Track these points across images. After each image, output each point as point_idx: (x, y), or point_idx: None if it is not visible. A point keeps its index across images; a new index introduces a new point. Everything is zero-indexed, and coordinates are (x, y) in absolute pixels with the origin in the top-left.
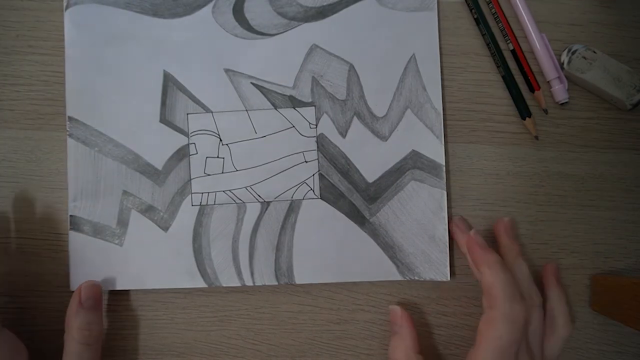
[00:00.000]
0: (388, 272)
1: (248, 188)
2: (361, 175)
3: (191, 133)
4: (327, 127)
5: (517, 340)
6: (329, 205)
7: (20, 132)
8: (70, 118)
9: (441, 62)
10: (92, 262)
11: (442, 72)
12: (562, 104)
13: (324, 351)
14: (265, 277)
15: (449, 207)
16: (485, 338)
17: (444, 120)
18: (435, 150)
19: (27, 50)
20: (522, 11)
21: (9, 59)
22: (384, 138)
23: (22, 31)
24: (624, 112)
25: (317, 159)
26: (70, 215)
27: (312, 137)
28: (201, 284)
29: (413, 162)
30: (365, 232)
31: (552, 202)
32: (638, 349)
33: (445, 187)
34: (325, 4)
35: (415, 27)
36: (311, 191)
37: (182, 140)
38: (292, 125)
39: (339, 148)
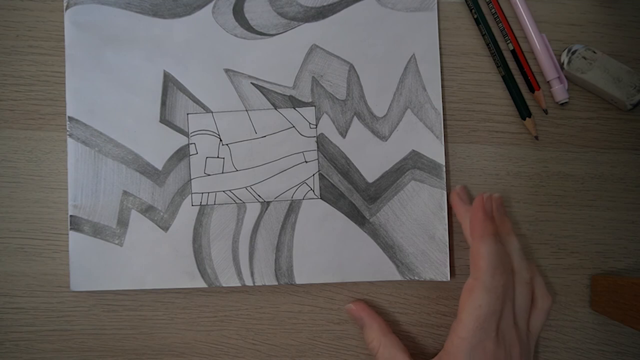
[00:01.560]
0: (388, 272)
1: (248, 188)
2: (361, 175)
3: (191, 133)
4: (327, 127)
5: (497, 311)
6: (329, 205)
7: (20, 132)
8: (70, 118)
9: (441, 62)
10: (92, 262)
11: (442, 72)
12: (562, 104)
13: (324, 351)
14: (265, 277)
15: (449, 207)
16: (465, 307)
17: (444, 120)
18: (435, 150)
19: (27, 50)
20: (522, 11)
21: (9, 59)
22: (384, 138)
23: (22, 31)
24: (624, 112)
25: (317, 159)
26: (70, 215)
27: (312, 137)
28: (201, 284)
29: (413, 162)
30: (365, 232)
31: (552, 202)
32: (638, 349)
33: (445, 187)
34: (325, 4)
35: (415, 27)
36: (311, 191)
37: (182, 140)
38: (292, 125)
39: (339, 148)
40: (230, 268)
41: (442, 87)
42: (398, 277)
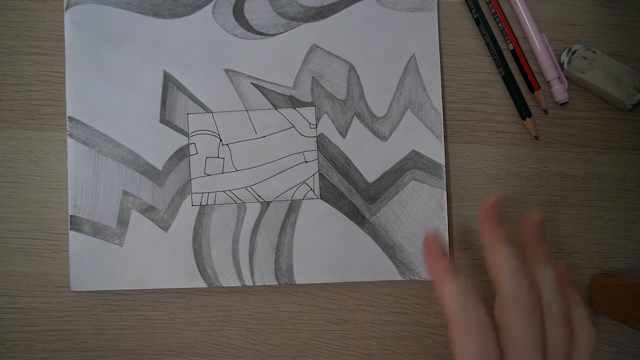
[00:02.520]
0: (388, 272)
1: (248, 188)
2: (361, 175)
3: (191, 133)
4: (327, 127)
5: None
6: (329, 205)
7: (20, 132)
8: (70, 118)
9: (441, 62)
10: (92, 262)
11: (442, 72)
12: (562, 104)
13: (324, 351)
14: (265, 277)
15: (449, 207)
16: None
17: (444, 120)
18: (435, 150)
19: (27, 50)
20: (522, 11)
21: (9, 59)
22: (384, 138)
23: (22, 31)
24: (624, 112)
25: (317, 159)
26: (70, 215)
27: (312, 137)
28: (201, 284)
29: (413, 162)
30: (365, 232)
31: (552, 202)
32: (638, 349)
33: (445, 187)
34: (325, 4)
35: (415, 27)
36: (311, 191)
37: (182, 140)
38: (292, 125)
39: (339, 148)
40: (230, 268)
41: (442, 87)
42: (398, 277)
